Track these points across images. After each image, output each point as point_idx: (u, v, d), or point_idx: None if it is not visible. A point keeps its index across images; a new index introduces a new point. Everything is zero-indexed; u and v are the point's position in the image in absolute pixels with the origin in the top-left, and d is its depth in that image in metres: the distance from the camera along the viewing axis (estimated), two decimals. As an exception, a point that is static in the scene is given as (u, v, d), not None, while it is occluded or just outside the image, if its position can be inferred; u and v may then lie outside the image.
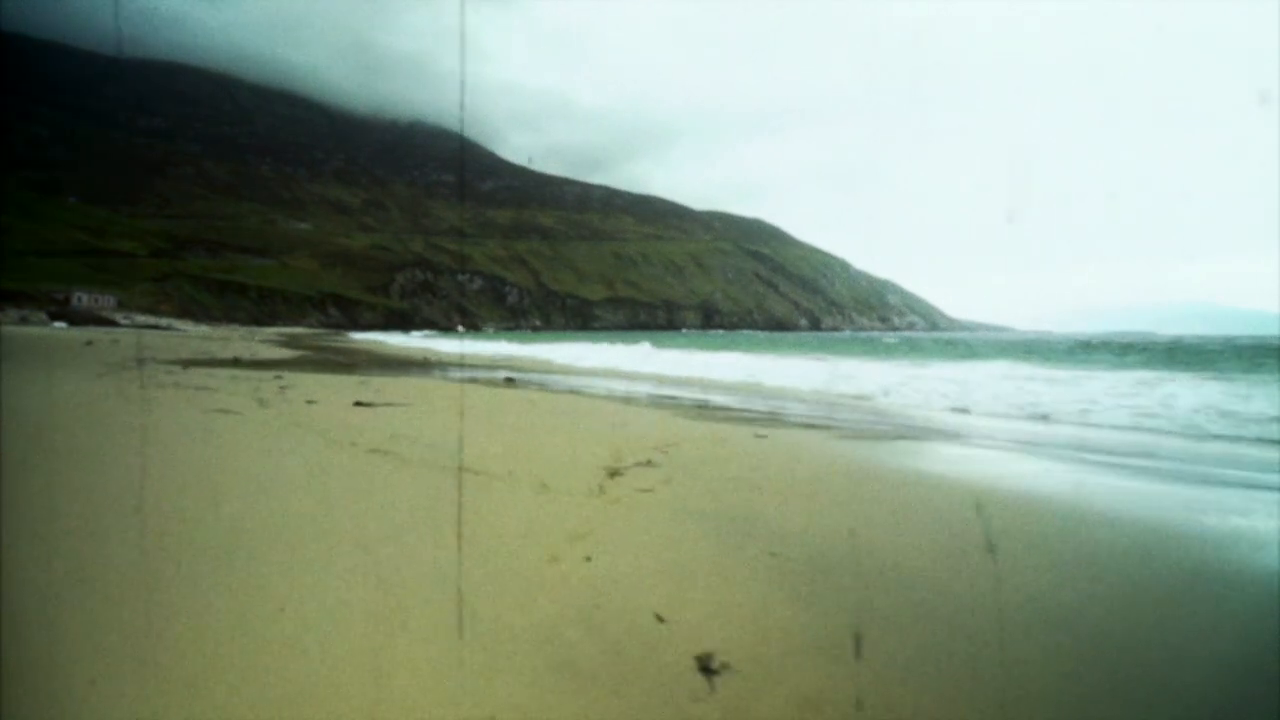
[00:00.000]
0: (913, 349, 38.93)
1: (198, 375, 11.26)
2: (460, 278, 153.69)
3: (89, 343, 22.29)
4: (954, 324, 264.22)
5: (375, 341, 45.65)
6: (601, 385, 13.73)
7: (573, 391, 11.89)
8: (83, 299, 65.03)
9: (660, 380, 15.26)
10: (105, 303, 68.65)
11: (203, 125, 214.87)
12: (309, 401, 7.75)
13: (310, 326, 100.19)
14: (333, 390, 9.61)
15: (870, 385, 13.04)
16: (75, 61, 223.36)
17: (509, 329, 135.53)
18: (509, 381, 13.40)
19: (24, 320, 44.76)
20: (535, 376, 15.55)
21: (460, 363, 22.23)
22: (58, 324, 46.12)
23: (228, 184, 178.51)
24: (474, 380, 14.15)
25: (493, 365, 20.47)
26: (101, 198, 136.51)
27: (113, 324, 52.51)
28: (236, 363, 16.56)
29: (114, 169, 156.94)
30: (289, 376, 11.69)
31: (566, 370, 18.69)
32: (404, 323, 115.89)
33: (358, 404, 7.70)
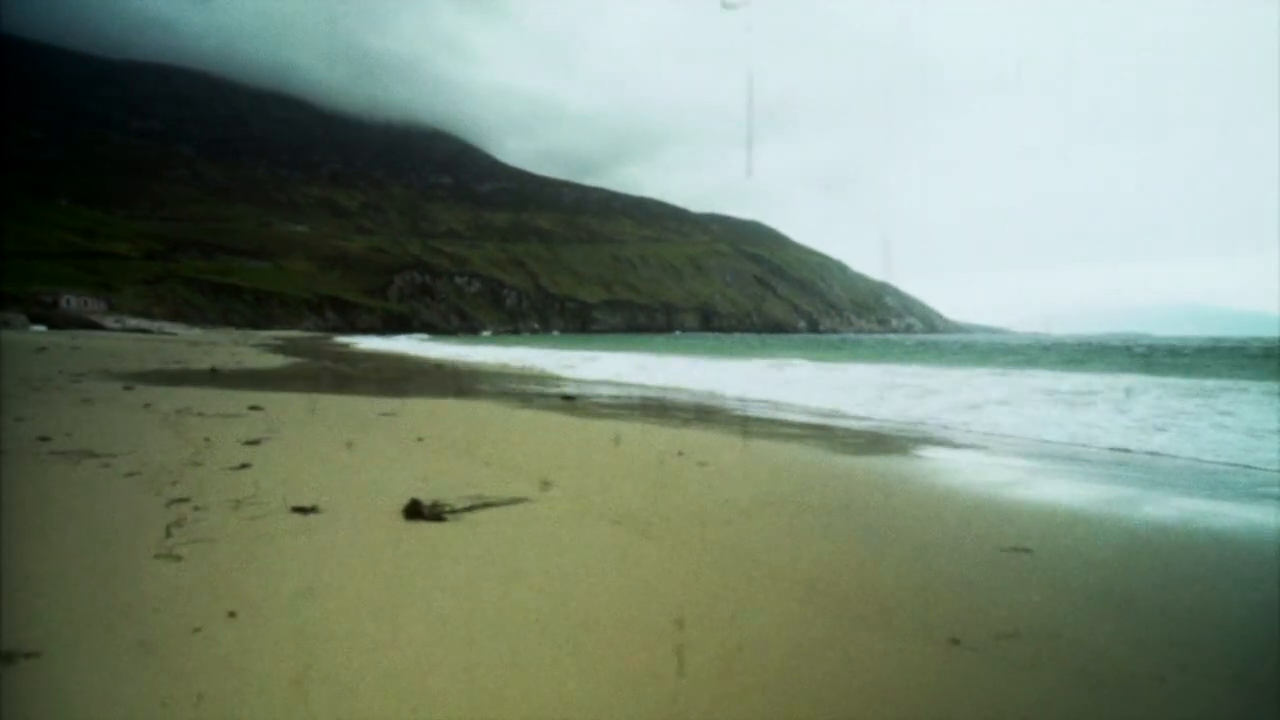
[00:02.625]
0: (934, 353, 36.32)
1: (125, 407, 7.67)
2: (458, 280, 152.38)
3: (41, 349, 20.55)
4: (951, 326, 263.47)
5: (372, 346, 44.44)
6: (700, 402, 10.65)
7: (697, 417, 8.81)
8: (71, 302, 63.79)
9: (777, 405, 11.25)
10: (96, 305, 67.39)
11: (198, 128, 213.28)
12: (299, 509, 3.61)
13: (307, 329, 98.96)
14: (349, 437, 5.99)
15: (968, 403, 10.54)
16: (70, 64, 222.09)
17: (508, 331, 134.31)
18: (568, 399, 10.84)
19: (6, 324, 43.45)
20: (588, 390, 12.94)
21: (483, 372, 19.10)
22: (37, 327, 44.81)
23: (223, 186, 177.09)
24: (534, 400, 10.86)
25: (519, 375, 17.50)
26: (96, 200, 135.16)
27: (99, 327, 51.25)
28: (212, 375, 13.90)
29: (109, 171, 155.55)
30: (272, 403, 8.35)
31: (627, 385, 15.06)
32: (403, 325, 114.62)
33: (414, 513, 3.56)
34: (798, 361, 21.68)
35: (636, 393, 13.44)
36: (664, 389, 14.45)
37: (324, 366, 19.96)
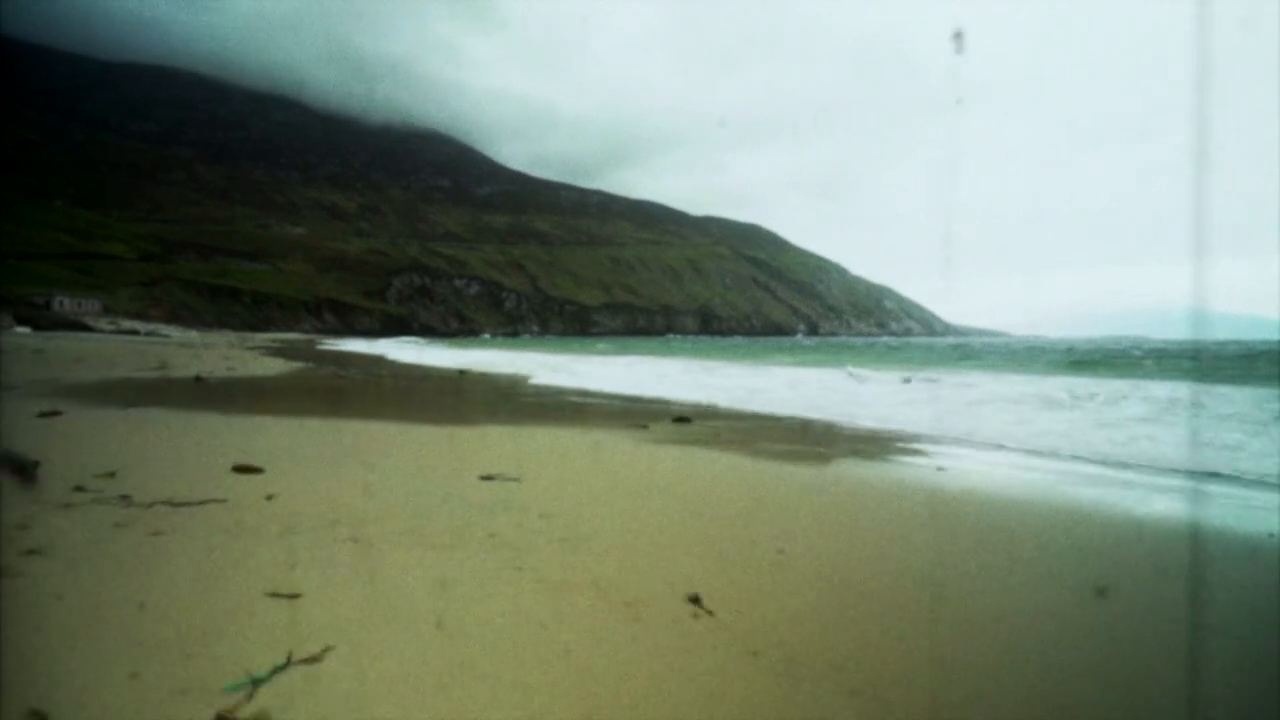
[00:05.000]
0: (970, 357, 33.55)
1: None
2: (457, 283, 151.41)
3: (-5, 354, 18.58)
4: (950, 329, 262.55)
5: (370, 351, 43.21)
6: (872, 432, 8.09)
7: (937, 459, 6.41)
8: (64, 303, 62.62)
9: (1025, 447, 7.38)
10: (89, 307, 66.24)
11: (196, 130, 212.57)
12: None
13: (305, 332, 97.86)
14: (502, 601, 2.61)
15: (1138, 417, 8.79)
16: (68, 66, 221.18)
17: (507, 334, 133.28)
18: (681, 421, 8.45)
19: (-5, 326, 42.35)
20: (679, 409, 9.98)
21: (522, 383, 15.74)
22: (21, 329, 43.66)
23: (220, 188, 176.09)
24: (650, 425, 7.98)
25: (575, 390, 13.88)
26: (93, 202, 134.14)
27: (88, 329, 50.13)
28: (195, 387, 11.61)
29: (106, 173, 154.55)
30: (277, 456, 5.02)
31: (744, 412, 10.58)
32: (402, 328, 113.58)
33: None
34: (860, 370, 19.12)
35: (744, 411, 10.30)
36: (767, 406, 11.04)
37: (333, 374, 17.25)
